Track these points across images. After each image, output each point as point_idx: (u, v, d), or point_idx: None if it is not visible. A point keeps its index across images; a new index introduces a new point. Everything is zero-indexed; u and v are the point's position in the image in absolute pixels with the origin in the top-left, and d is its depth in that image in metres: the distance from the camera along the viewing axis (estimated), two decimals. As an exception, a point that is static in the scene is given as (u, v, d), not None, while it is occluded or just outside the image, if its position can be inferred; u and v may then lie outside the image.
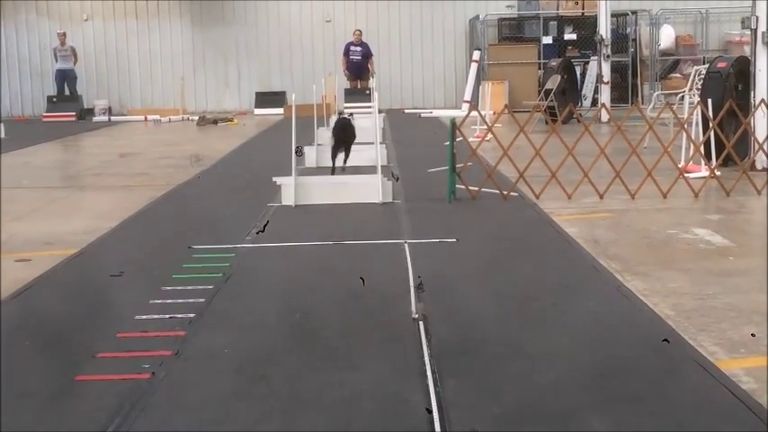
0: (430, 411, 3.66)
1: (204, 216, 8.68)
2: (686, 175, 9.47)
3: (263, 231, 7.56)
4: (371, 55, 22.55)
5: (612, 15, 20.90)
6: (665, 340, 4.50)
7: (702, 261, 6.37)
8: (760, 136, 10.24)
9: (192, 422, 3.67)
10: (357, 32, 22.60)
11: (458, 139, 9.12)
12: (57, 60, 24.22)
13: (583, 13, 23.94)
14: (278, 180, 9.10)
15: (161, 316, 5.13)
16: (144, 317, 5.12)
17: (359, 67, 22.56)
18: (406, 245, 6.89)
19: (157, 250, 7.09)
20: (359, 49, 22.53)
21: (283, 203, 8.86)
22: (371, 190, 8.97)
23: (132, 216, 8.63)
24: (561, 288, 5.69)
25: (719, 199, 8.99)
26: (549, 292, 5.58)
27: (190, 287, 5.74)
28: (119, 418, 3.70)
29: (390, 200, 8.95)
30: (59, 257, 6.78)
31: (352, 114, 11.23)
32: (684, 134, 10.04)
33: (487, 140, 11.41)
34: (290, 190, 8.91)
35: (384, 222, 8.10)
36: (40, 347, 4.72)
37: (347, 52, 22.60)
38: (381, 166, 9.31)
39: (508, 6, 24.88)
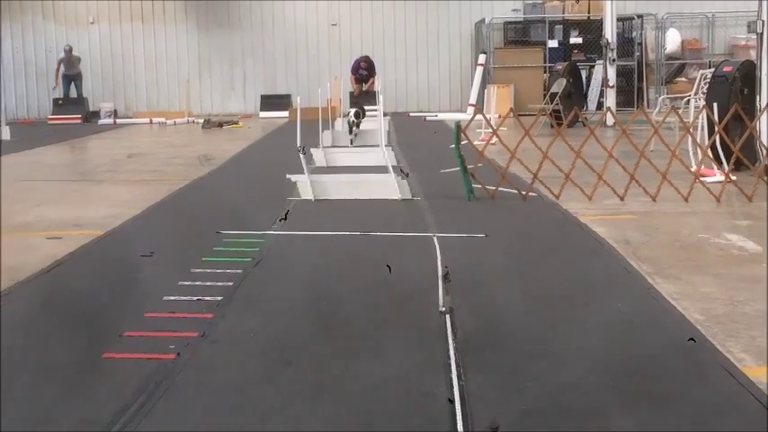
0: (452, 401, 3.66)
1: (229, 205, 8.73)
2: (701, 179, 9.37)
3: (285, 219, 7.58)
4: (375, 74, 22.69)
5: (618, 19, 20.78)
6: (691, 339, 4.46)
7: (735, 267, 6.30)
8: (766, 140, 10.12)
9: (215, 404, 3.68)
10: (364, 63, 22.79)
11: (463, 143, 9.08)
12: (64, 69, 24.40)
13: (588, 17, 23.85)
14: (293, 177, 9.09)
15: (189, 298, 5.16)
16: (172, 298, 5.15)
17: (365, 79, 22.93)
18: (435, 238, 6.88)
19: (186, 234, 7.15)
20: (366, 73, 22.85)
21: (303, 198, 8.86)
22: (388, 187, 8.94)
23: (156, 204, 8.71)
24: (591, 287, 5.65)
25: (743, 204, 8.88)
26: (579, 290, 5.54)
27: (219, 270, 5.77)
28: (143, 396, 3.72)
29: (410, 197, 8.93)
30: (89, 237, 6.84)
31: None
32: (690, 138, 9.94)
33: (492, 143, 11.39)
34: (306, 186, 8.91)
35: (409, 217, 8.08)
36: (69, 323, 4.76)
37: (356, 71, 22.82)
38: (392, 166, 9.31)
39: (514, 10, 24.76)
